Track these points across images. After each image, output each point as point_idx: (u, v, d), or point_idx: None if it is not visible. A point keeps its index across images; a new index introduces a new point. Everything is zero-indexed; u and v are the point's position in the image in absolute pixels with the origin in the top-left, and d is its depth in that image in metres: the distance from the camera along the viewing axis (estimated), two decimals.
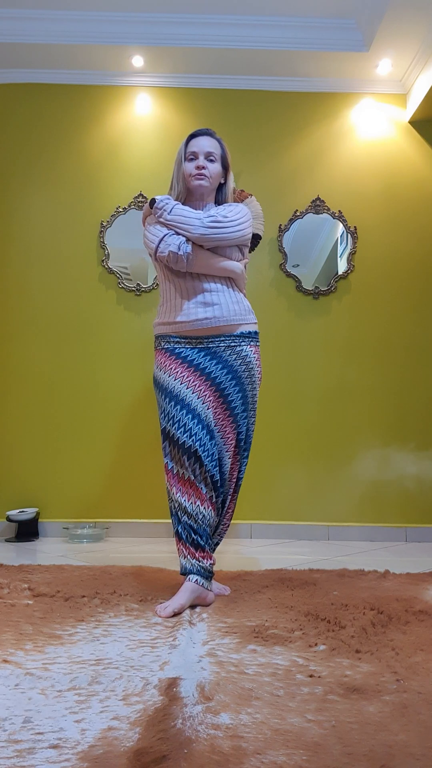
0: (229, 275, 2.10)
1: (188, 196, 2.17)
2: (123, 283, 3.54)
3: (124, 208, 3.55)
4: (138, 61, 3.48)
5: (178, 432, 1.99)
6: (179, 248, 2.00)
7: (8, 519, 3.35)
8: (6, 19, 3.33)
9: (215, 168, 2.13)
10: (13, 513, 3.34)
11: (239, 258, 2.14)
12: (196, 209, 2.13)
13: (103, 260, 3.54)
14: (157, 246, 2.04)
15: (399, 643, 1.55)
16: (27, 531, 3.35)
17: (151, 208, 2.10)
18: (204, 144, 2.12)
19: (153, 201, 2.09)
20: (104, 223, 3.54)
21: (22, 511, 3.35)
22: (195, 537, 1.96)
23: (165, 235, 2.04)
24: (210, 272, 2.07)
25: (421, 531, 3.37)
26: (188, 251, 2.01)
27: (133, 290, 3.54)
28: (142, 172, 3.57)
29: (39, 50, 3.42)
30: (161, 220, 2.07)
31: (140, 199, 3.55)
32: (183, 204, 2.13)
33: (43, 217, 3.58)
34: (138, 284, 3.54)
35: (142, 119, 3.63)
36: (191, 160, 2.12)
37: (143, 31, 3.36)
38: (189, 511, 1.97)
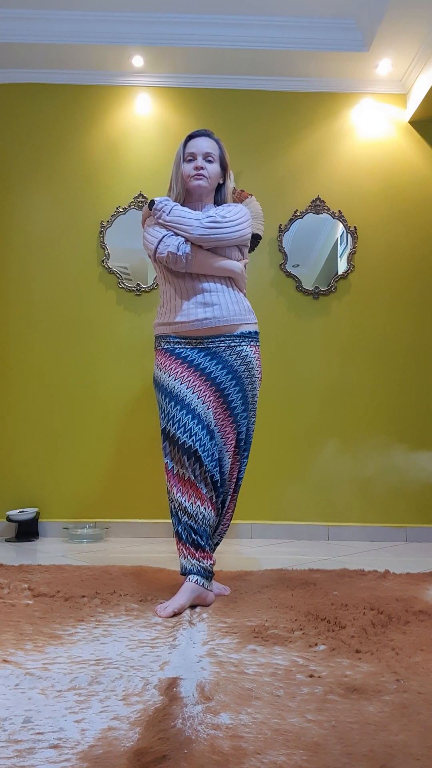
0: (228, 275, 2.10)
1: (187, 196, 2.17)
2: (123, 283, 3.54)
3: (124, 208, 3.55)
4: (138, 61, 3.48)
5: (178, 432, 1.99)
6: (178, 249, 2.01)
7: (8, 519, 3.35)
8: (6, 19, 3.33)
9: (214, 168, 2.13)
10: (13, 513, 3.34)
11: (239, 258, 2.13)
12: (195, 210, 2.13)
13: (103, 260, 3.54)
14: (156, 247, 2.04)
15: (399, 643, 1.55)
16: (27, 531, 3.35)
17: (150, 209, 2.10)
18: (202, 145, 2.12)
19: (152, 202, 2.09)
20: (104, 223, 3.54)
21: (22, 511, 3.35)
22: (195, 537, 1.96)
23: (164, 236, 2.04)
24: (209, 272, 2.06)
25: (421, 531, 3.37)
26: (187, 252, 2.01)
27: (133, 290, 3.54)
28: (142, 172, 3.57)
29: (39, 50, 3.42)
30: (160, 221, 2.07)
31: (140, 199, 3.55)
32: (182, 205, 2.13)
33: (43, 217, 3.58)
34: (138, 284, 3.54)
35: (142, 119, 3.63)
36: (189, 161, 2.12)
37: (143, 31, 3.36)
38: (189, 511, 1.97)
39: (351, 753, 1.01)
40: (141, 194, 3.55)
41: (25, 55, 3.46)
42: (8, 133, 3.61)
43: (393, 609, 1.83)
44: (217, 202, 2.21)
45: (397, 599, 1.95)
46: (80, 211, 3.58)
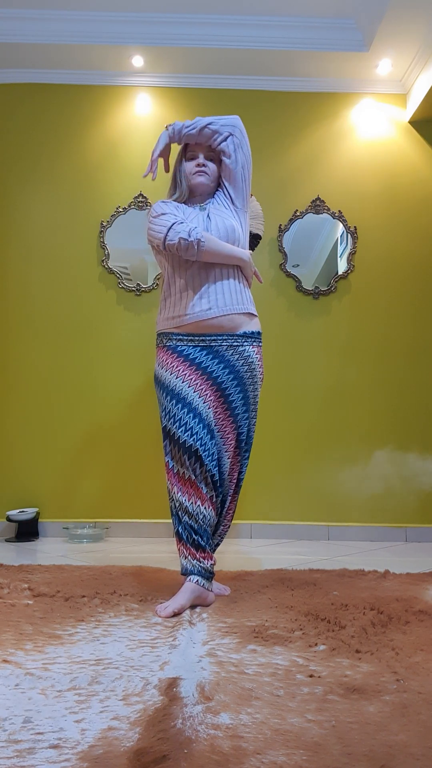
0: (237, 263, 2.08)
1: (190, 194, 2.17)
2: (123, 283, 3.54)
3: (124, 208, 3.55)
4: (138, 61, 3.48)
5: (179, 431, 1.99)
6: (189, 235, 1.97)
7: (8, 519, 3.35)
8: (6, 19, 3.33)
9: (214, 165, 2.14)
10: (13, 513, 3.34)
11: (241, 241, 2.13)
12: (197, 206, 2.14)
13: (103, 260, 3.54)
14: (166, 234, 2.00)
15: (399, 643, 1.55)
16: (27, 531, 3.35)
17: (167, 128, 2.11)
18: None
19: (167, 127, 2.11)
20: (104, 223, 3.54)
21: (22, 511, 3.35)
22: (195, 537, 1.96)
23: (174, 223, 2.01)
24: (219, 260, 2.04)
25: (421, 531, 3.37)
26: (198, 237, 1.98)
27: (133, 290, 3.54)
28: (142, 172, 3.55)
29: (39, 50, 3.42)
30: (187, 130, 2.08)
31: (140, 199, 3.55)
32: (185, 203, 2.15)
33: (43, 217, 3.58)
34: (138, 284, 3.54)
35: (142, 119, 3.63)
36: (191, 159, 2.13)
37: (143, 31, 3.36)
38: (190, 511, 1.96)
39: (351, 753, 1.00)
40: (141, 194, 3.55)
41: (25, 55, 3.46)
42: (8, 133, 3.61)
43: (393, 609, 1.83)
44: None
45: (397, 599, 1.95)
46: (80, 211, 3.58)
